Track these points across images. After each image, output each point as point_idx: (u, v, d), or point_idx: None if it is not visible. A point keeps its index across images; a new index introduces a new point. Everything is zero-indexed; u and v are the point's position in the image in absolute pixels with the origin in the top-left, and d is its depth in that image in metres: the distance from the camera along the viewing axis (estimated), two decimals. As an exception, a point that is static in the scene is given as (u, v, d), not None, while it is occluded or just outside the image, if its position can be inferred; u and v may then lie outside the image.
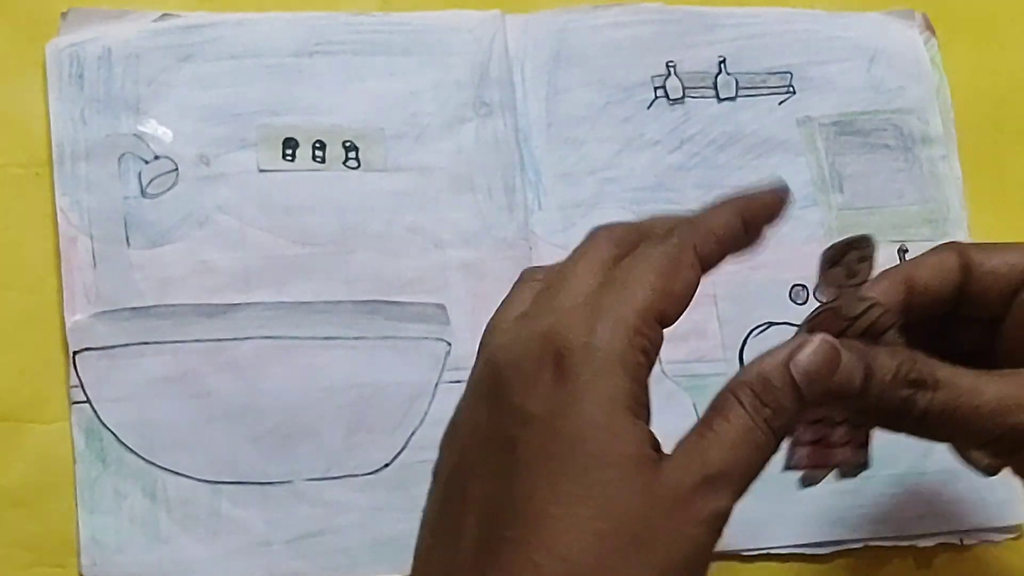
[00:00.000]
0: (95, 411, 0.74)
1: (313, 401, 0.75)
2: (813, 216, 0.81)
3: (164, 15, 0.79)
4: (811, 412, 0.59)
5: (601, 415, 0.51)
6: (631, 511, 0.50)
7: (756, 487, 0.75)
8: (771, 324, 0.79)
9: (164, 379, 0.74)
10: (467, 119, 0.80)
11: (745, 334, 0.78)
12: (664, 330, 0.54)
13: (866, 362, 0.56)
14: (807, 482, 0.62)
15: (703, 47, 0.84)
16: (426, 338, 0.76)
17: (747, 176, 0.81)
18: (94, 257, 0.75)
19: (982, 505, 0.77)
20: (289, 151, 0.78)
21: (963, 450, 0.65)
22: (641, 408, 0.52)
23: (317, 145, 0.78)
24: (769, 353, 0.55)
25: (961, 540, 0.77)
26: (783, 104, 0.83)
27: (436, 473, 0.56)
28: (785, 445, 0.57)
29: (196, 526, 0.73)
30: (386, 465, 0.75)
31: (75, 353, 0.74)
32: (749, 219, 0.57)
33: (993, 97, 0.86)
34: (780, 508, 0.76)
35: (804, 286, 0.79)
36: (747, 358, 0.76)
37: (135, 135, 0.77)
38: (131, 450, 0.73)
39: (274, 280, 0.76)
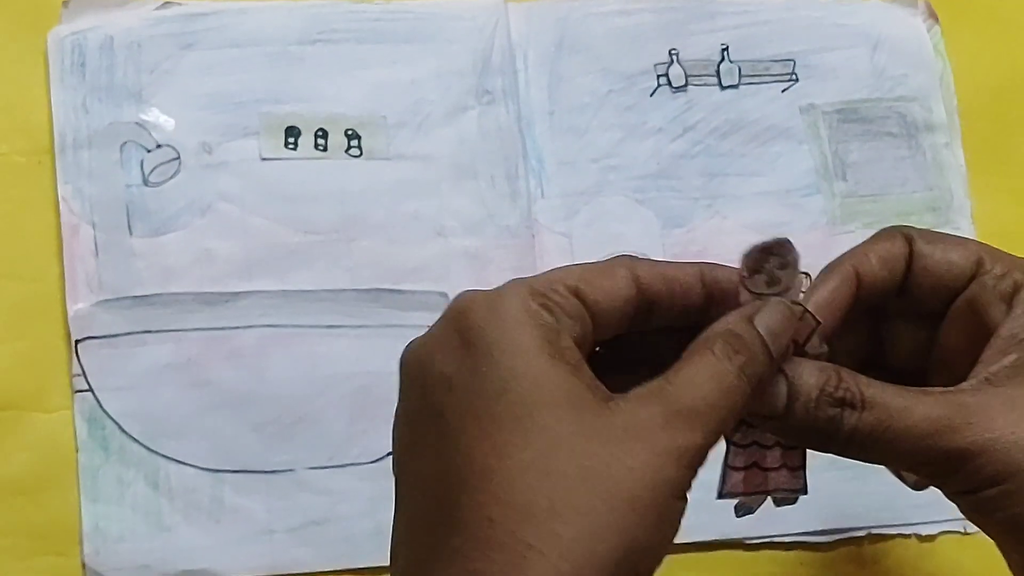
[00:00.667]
0: (97, 400, 0.74)
1: (315, 390, 0.75)
2: (816, 204, 0.81)
3: (166, 3, 0.79)
4: (741, 435, 0.59)
5: (518, 364, 0.51)
6: (578, 449, 0.50)
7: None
8: (774, 312, 0.78)
9: (166, 367, 0.74)
10: (469, 107, 0.80)
11: (748, 322, 0.78)
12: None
13: (789, 380, 0.55)
14: (742, 511, 0.62)
15: (706, 35, 0.84)
16: (429, 326, 0.76)
17: (750, 164, 0.81)
18: (96, 246, 0.76)
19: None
20: (291, 139, 0.78)
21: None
22: (566, 355, 0.52)
23: (319, 133, 0.78)
24: (727, 316, 0.55)
25: (964, 528, 0.77)
26: (786, 92, 0.83)
27: (393, 469, 0.57)
28: (718, 471, 0.58)
29: (198, 515, 0.73)
30: (388, 454, 0.75)
31: (77, 342, 0.74)
32: (708, 281, 0.57)
33: (996, 84, 0.86)
34: (783, 496, 0.76)
35: (808, 274, 0.79)
36: (750, 346, 0.76)
37: (137, 123, 0.77)
38: (133, 439, 0.74)
39: (276, 268, 0.76)
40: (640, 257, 0.57)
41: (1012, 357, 0.55)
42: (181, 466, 0.73)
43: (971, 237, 0.79)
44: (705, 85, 0.83)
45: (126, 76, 0.78)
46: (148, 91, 0.78)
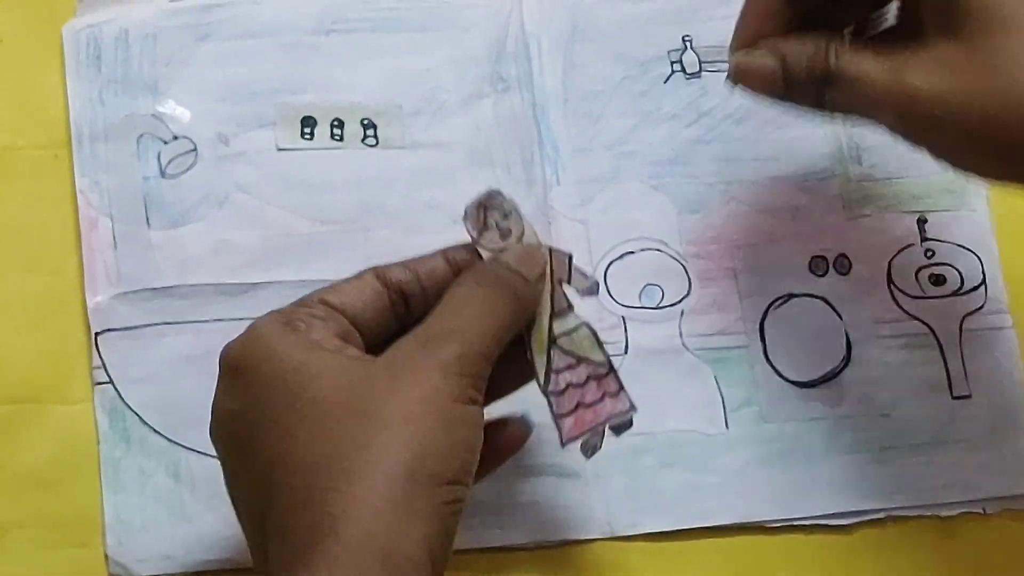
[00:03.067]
0: (118, 391, 0.74)
1: (333, 379, 0.75)
2: (832, 188, 0.81)
3: (180, -5, 0.80)
4: (553, 383, 0.65)
5: (279, 365, 0.59)
6: (349, 401, 0.57)
7: (780, 459, 0.75)
8: (791, 296, 0.79)
9: (186, 358, 0.75)
10: (484, 95, 0.80)
11: (765, 306, 0.78)
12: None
13: (782, 58, 0.67)
14: (588, 451, 0.67)
15: (720, 20, 0.83)
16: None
17: (765, 149, 0.81)
18: (114, 238, 0.76)
19: (1005, 473, 0.77)
20: (307, 129, 0.78)
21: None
22: (322, 343, 0.60)
23: (335, 123, 0.79)
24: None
25: (984, 509, 0.77)
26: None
27: None
28: (552, 425, 0.65)
29: (220, 504, 0.72)
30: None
31: (97, 334, 0.75)
32: (451, 257, 0.66)
33: None
34: (803, 479, 0.76)
35: (824, 257, 0.79)
36: (768, 330, 0.76)
37: (153, 115, 0.77)
38: (154, 430, 0.74)
39: (294, 258, 0.76)
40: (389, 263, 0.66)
41: (941, 19, 0.63)
42: (202, 456, 0.73)
43: (987, 220, 0.80)
44: (719, 71, 0.83)
45: (142, 68, 0.78)
46: (164, 83, 0.78)
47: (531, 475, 0.73)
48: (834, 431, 0.77)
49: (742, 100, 0.81)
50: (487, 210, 0.65)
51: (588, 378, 0.65)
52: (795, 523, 0.76)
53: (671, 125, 0.81)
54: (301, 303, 0.63)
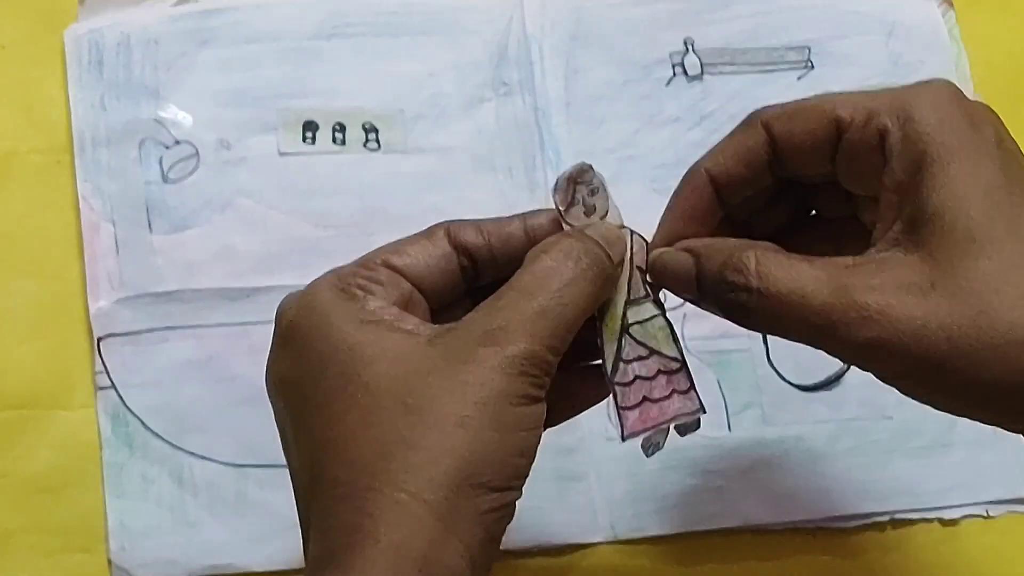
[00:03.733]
0: (120, 397, 0.74)
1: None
2: (834, 191, 0.81)
3: (181, 0, 0.80)
4: (621, 373, 0.61)
5: (332, 340, 0.56)
6: (400, 393, 0.54)
7: (783, 462, 0.75)
8: (794, 299, 0.78)
9: (188, 363, 0.75)
10: (486, 99, 0.80)
11: (768, 309, 0.78)
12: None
13: (698, 260, 0.59)
14: (651, 449, 0.63)
15: (721, 23, 0.84)
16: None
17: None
18: (116, 243, 0.76)
19: (1008, 476, 0.77)
20: (309, 134, 0.78)
21: None
22: (380, 314, 0.56)
23: (337, 128, 0.79)
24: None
25: (987, 511, 0.77)
26: (801, 79, 0.83)
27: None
28: (615, 417, 0.60)
29: (223, 510, 0.73)
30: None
31: (99, 339, 0.75)
32: (530, 226, 0.61)
33: (1012, 69, 0.86)
34: (806, 482, 0.76)
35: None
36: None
37: (155, 120, 0.78)
38: (157, 435, 0.74)
39: (296, 263, 0.76)
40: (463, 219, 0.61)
41: (897, 226, 0.54)
42: (205, 461, 0.73)
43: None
44: (721, 74, 0.83)
45: (143, 73, 0.78)
46: (165, 88, 0.78)
47: (535, 479, 0.73)
48: (837, 434, 0.77)
49: (744, 102, 0.81)
50: (577, 184, 0.61)
51: (658, 372, 0.62)
52: (798, 526, 0.76)
53: (673, 128, 0.82)
54: (362, 263, 0.59)
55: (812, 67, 0.83)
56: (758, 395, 0.77)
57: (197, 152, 0.77)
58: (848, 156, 0.56)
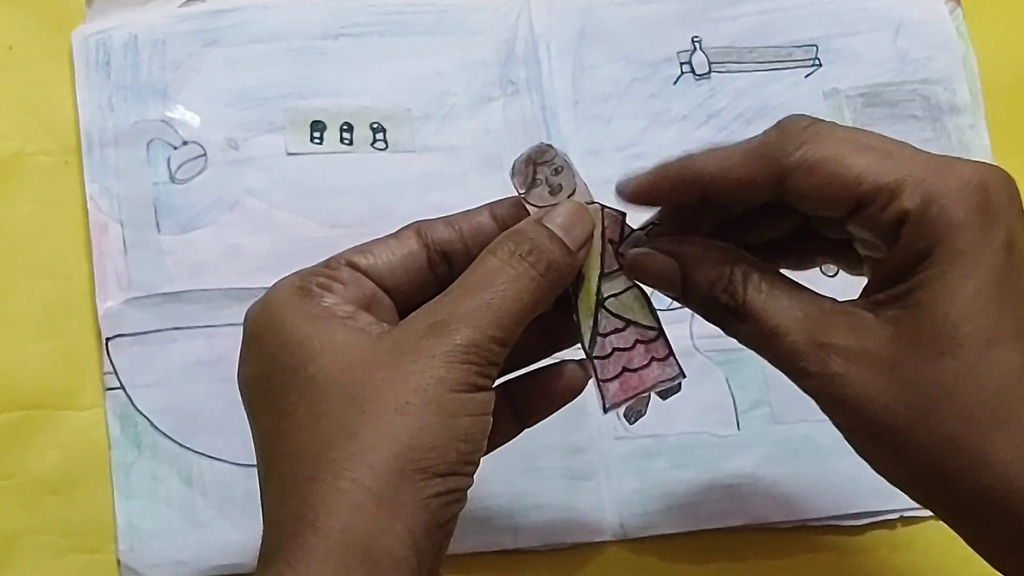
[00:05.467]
0: (129, 397, 0.74)
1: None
2: (842, 188, 0.81)
3: (189, 0, 0.80)
4: (600, 347, 0.61)
5: (283, 337, 0.56)
6: (345, 383, 0.55)
7: (792, 461, 0.75)
8: (802, 297, 0.78)
9: (197, 363, 0.75)
10: (494, 98, 0.80)
11: (777, 308, 0.78)
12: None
13: (684, 272, 0.60)
14: (633, 417, 0.63)
15: (728, 21, 0.83)
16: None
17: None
18: (125, 243, 0.76)
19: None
20: (317, 134, 0.78)
21: None
22: (333, 311, 0.57)
23: (344, 127, 0.79)
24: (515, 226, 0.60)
25: (996, 509, 0.77)
26: (809, 77, 0.83)
27: None
28: (596, 391, 0.61)
29: (232, 509, 0.73)
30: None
31: (108, 340, 0.75)
32: (498, 214, 0.61)
33: (1019, 65, 0.86)
34: (815, 480, 0.76)
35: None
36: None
37: (163, 121, 0.78)
38: (166, 435, 0.74)
39: (304, 262, 0.74)
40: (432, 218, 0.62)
41: (883, 295, 0.55)
42: (214, 461, 0.73)
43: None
44: (728, 72, 0.83)
45: (151, 74, 0.78)
46: (173, 88, 0.78)
47: (543, 478, 0.73)
48: (846, 432, 0.77)
49: (752, 100, 0.81)
50: (536, 165, 0.61)
51: (636, 342, 0.62)
52: (807, 524, 0.76)
53: (681, 126, 0.81)
54: (326, 263, 0.60)
55: (820, 64, 0.83)
56: (767, 393, 0.77)
57: (205, 152, 0.77)
58: (862, 224, 0.56)
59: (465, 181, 0.79)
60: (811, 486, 0.76)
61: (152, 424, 0.74)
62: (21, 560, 0.72)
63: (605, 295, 0.62)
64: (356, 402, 0.55)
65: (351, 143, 0.79)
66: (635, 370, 0.62)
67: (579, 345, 0.62)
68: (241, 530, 0.73)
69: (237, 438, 0.73)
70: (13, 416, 0.74)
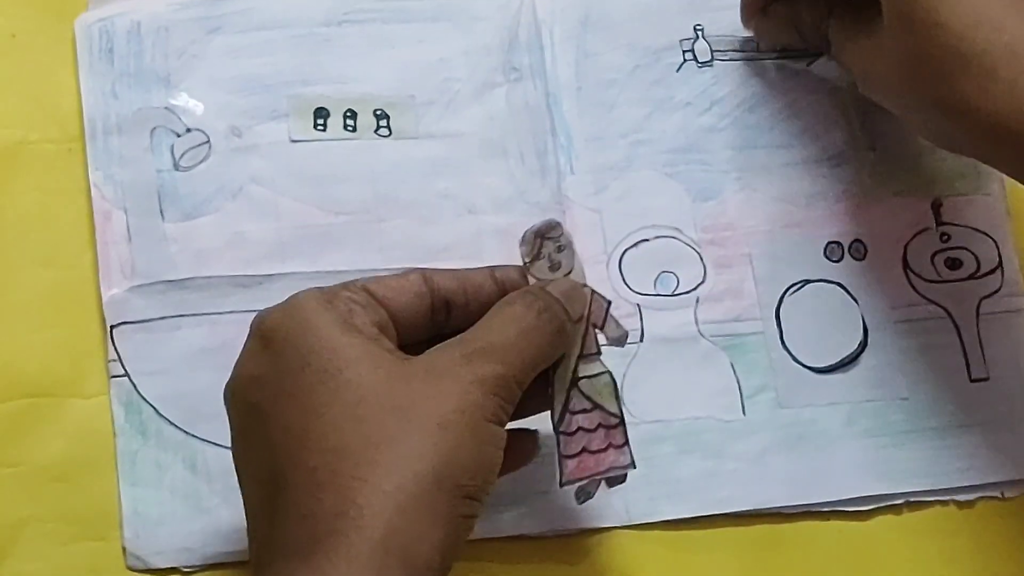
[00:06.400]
0: (134, 384, 0.74)
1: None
2: (846, 174, 0.81)
3: (191, -12, 0.80)
4: (567, 423, 0.66)
5: (314, 341, 0.59)
6: (384, 393, 0.57)
7: (797, 445, 0.75)
8: (807, 282, 0.79)
9: (202, 351, 0.75)
10: (497, 84, 0.80)
11: (781, 292, 0.78)
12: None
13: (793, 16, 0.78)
14: (582, 497, 0.68)
15: (730, 9, 0.83)
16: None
17: (778, 136, 0.81)
18: (129, 231, 0.76)
19: (1023, 458, 0.77)
20: (320, 120, 0.78)
21: None
22: (361, 329, 0.60)
23: (348, 114, 0.79)
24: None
25: (1002, 493, 0.77)
26: (811, 64, 0.83)
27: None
28: (556, 462, 0.66)
29: (237, 497, 0.72)
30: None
31: (112, 327, 0.75)
32: (499, 277, 0.66)
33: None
34: (820, 465, 0.76)
35: (839, 243, 0.79)
36: (784, 316, 0.76)
37: (166, 108, 0.77)
38: (171, 422, 0.74)
39: (308, 250, 0.76)
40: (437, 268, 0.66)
41: None
42: (219, 449, 0.73)
43: (1002, 203, 0.80)
44: (731, 60, 0.83)
45: (154, 61, 0.78)
46: (176, 76, 0.78)
47: (548, 464, 0.73)
48: (851, 416, 0.77)
49: (755, 87, 0.81)
50: (544, 240, 0.66)
51: (599, 426, 0.66)
52: (813, 509, 0.76)
53: (684, 113, 0.82)
54: (344, 286, 0.62)
55: (821, 52, 0.83)
56: (772, 378, 0.77)
57: (208, 140, 0.77)
58: None
59: (469, 168, 0.79)
60: (816, 470, 0.76)
61: (157, 411, 0.74)
62: (27, 548, 0.72)
63: (580, 375, 0.66)
64: (400, 411, 0.57)
65: (355, 130, 0.79)
66: (593, 452, 0.66)
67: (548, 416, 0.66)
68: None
69: (242, 425, 0.73)
70: (18, 404, 0.74)
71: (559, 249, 0.66)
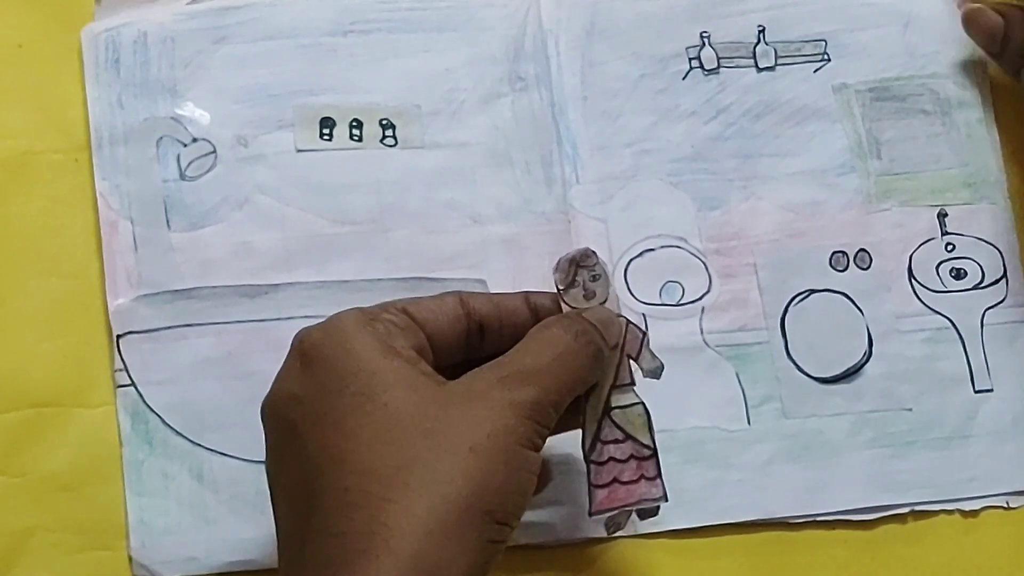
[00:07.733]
0: (140, 394, 0.74)
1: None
2: (851, 183, 0.81)
3: (197, -2, 0.80)
4: (598, 452, 0.66)
5: (354, 362, 0.59)
6: (418, 416, 0.57)
7: (802, 455, 0.75)
8: (812, 291, 0.78)
9: (208, 360, 0.75)
10: (503, 94, 0.80)
11: (786, 302, 0.78)
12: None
13: (1008, 26, 0.80)
14: (611, 527, 0.68)
15: (736, 17, 0.83)
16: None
17: (784, 145, 0.81)
18: (135, 241, 0.76)
19: (1029, 467, 0.77)
20: (326, 130, 0.78)
21: None
22: (400, 352, 0.60)
23: (354, 124, 0.79)
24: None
25: (1007, 503, 0.77)
26: (818, 72, 0.83)
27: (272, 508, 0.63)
28: (585, 492, 0.66)
29: (243, 506, 0.73)
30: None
31: (119, 337, 0.75)
32: (533, 304, 0.66)
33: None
34: (825, 474, 0.76)
35: (844, 252, 0.79)
36: (789, 326, 0.76)
37: (172, 118, 0.78)
38: (177, 432, 0.74)
39: (314, 259, 0.76)
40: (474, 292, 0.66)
41: None
42: (225, 458, 0.73)
43: (1007, 213, 0.80)
44: (737, 67, 0.83)
45: (160, 71, 0.78)
46: (182, 86, 0.78)
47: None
48: (856, 426, 0.77)
49: (761, 96, 0.81)
50: (579, 267, 0.66)
51: (631, 456, 0.66)
52: (818, 519, 0.76)
53: (690, 122, 0.81)
54: (384, 307, 0.63)
55: (828, 60, 0.83)
56: (777, 388, 0.77)
57: (214, 149, 0.77)
58: None
59: (474, 177, 0.79)
60: (822, 480, 0.76)
61: (163, 421, 0.74)
62: (33, 558, 0.72)
63: (613, 405, 0.66)
64: (432, 435, 0.57)
65: (360, 140, 0.79)
66: (625, 483, 0.66)
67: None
68: (252, 526, 0.73)
69: (248, 435, 0.73)
70: (24, 414, 0.74)
71: (594, 278, 0.66)
